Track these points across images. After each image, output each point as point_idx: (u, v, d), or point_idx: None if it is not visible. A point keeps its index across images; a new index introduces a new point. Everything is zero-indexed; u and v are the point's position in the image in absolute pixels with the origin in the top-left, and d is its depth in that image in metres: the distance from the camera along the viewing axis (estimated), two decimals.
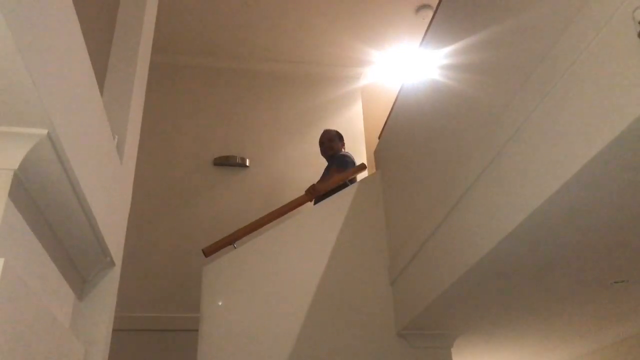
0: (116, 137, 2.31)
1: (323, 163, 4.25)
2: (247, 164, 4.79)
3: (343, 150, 4.21)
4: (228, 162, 4.77)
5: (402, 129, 3.45)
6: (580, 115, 1.55)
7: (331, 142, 4.19)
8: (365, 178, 3.77)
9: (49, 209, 1.70)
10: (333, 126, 4.52)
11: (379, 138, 3.93)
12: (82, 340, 2.04)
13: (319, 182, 3.92)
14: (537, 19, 1.88)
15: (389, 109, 3.78)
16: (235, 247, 3.49)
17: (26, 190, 1.56)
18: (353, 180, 3.85)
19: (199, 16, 4.61)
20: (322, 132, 4.31)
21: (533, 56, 1.85)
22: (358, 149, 4.80)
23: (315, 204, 3.74)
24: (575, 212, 1.81)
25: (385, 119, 3.90)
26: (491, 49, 2.26)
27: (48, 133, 1.44)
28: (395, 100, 3.60)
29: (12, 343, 1.32)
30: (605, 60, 1.46)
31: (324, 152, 4.24)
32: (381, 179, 3.66)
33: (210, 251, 3.49)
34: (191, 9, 4.53)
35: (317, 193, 3.74)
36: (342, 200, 3.53)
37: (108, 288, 2.20)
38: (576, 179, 1.60)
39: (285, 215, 3.69)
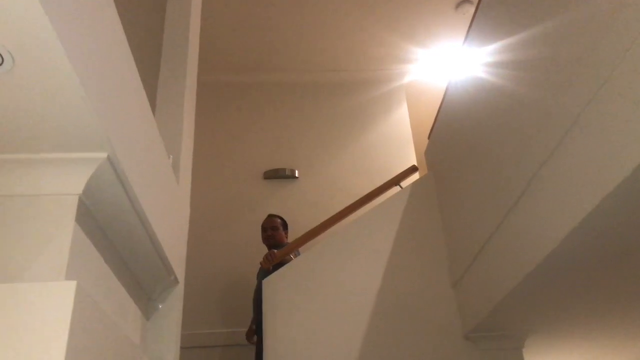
0: (171, 156, 2.35)
1: (373, 169, 4.21)
2: (297, 175, 4.81)
3: (286, 240, 3.93)
4: (278, 175, 4.81)
5: (452, 128, 3.37)
6: None
7: (275, 231, 3.88)
8: (417, 180, 3.70)
9: (113, 231, 1.73)
10: (380, 129, 4.48)
11: (428, 138, 3.86)
12: (151, 358, 2.06)
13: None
14: (587, 10, 1.81)
15: (435, 108, 3.72)
16: (292, 258, 3.49)
17: (91, 214, 1.59)
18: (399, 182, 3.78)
19: (240, 34, 4.68)
20: (266, 216, 4.01)
21: (585, 47, 1.77)
22: (407, 150, 4.74)
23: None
24: None
25: (432, 118, 3.83)
26: (539, 44, 2.19)
27: (108, 156, 1.47)
28: (443, 99, 3.53)
29: None
30: None
31: (266, 239, 3.89)
32: (434, 180, 3.59)
33: (268, 264, 3.50)
34: (232, 28, 4.60)
35: (276, 260, 3.52)
36: (395, 204, 3.48)
37: (173, 306, 2.23)
38: None
39: (338, 224, 3.67)
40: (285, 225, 3.97)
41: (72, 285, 1.29)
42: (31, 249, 1.38)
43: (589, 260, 2.19)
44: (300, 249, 3.61)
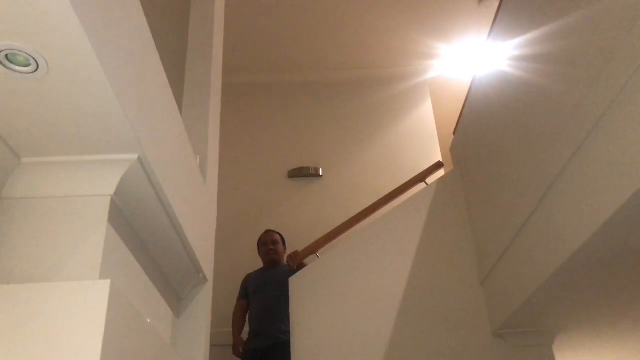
0: (198, 157, 2.38)
1: (398, 166, 4.18)
2: (321, 174, 4.82)
3: (285, 257, 3.84)
4: (302, 174, 4.83)
5: (478, 124, 3.35)
6: None
7: (276, 245, 3.83)
8: (443, 176, 3.68)
9: (144, 231, 1.77)
10: (404, 126, 4.46)
11: (453, 134, 3.83)
12: (182, 357, 2.10)
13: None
14: (614, 3, 1.78)
15: (460, 104, 3.69)
16: (318, 257, 3.50)
17: (122, 214, 1.63)
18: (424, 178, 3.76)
19: (263, 34, 4.71)
20: (264, 231, 3.96)
21: (613, 40, 1.74)
22: (432, 146, 4.72)
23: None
24: None
25: (456, 114, 3.80)
26: (566, 37, 2.16)
27: (139, 157, 1.50)
28: (468, 94, 3.50)
29: None
30: None
31: (267, 253, 3.81)
32: (460, 175, 3.56)
33: (295, 263, 3.53)
34: (255, 28, 4.63)
35: (299, 260, 3.54)
36: (421, 200, 3.47)
37: (203, 304, 2.26)
38: None
39: (364, 221, 3.67)
40: (284, 240, 3.93)
41: (106, 284, 1.32)
42: (65, 249, 1.42)
43: (618, 256, 2.16)
44: (325, 247, 3.62)
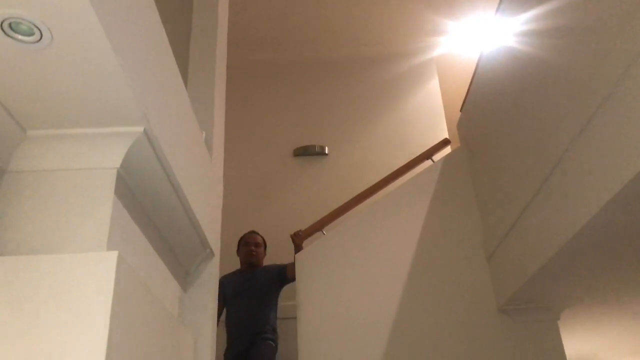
0: (204, 133, 2.37)
1: (405, 144, 4.14)
2: (327, 152, 4.81)
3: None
4: (307, 152, 4.81)
5: (485, 100, 3.32)
6: None
7: (258, 248, 3.70)
8: (450, 153, 3.67)
9: (151, 205, 1.77)
10: (410, 103, 4.42)
11: (460, 111, 3.80)
12: (190, 330, 2.11)
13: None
14: None
15: (467, 81, 3.65)
16: (324, 234, 3.51)
17: (129, 188, 1.63)
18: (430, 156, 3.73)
19: (268, 11, 4.66)
20: (248, 231, 3.82)
21: (621, 17, 1.71)
22: (438, 124, 4.69)
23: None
24: None
25: (463, 90, 3.77)
26: (574, 14, 2.12)
27: (144, 130, 1.49)
28: (475, 70, 3.47)
29: (128, 333, 1.39)
30: None
31: (247, 255, 3.65)
32: (467, 153, 3.54)
33: (301, 240, 3.53)
34: (261, 5, 4.59)
35: (303, 238, 3.52)
36: (427, 177, 3.46)
37: (210, 279, 2.27)
38: None
39: (369, 199, 3.67)
40: (265, 245, 3.80)
41: (113, 255, 1.33)
42: (72, 221, 1.42)
43: (625, 232, 2.15)
44: (331, 225, 3.62)
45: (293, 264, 3.45)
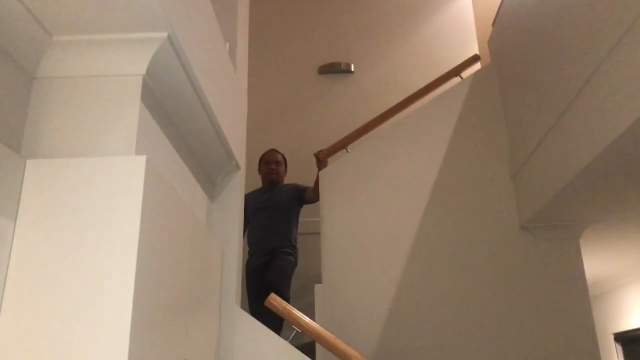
0: (227, 44, 2.34)
1: (433, 61, 4.02)
2: (352, 70, 4.72)
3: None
4: (333, 70, 4.73)
5: (518, 14, 3.17)
6: None
7: (278, 166, 3.72)
8: (479, 70, 3.57)
9: (176, 113, 1.78)
10: (441, 17, 4.25)
11: (492, 25, 3.66)
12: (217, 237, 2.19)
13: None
14: None
15: None
16: (348, 151, 3.52)
17: (155, 96, 1.63)
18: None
19: None
20: (268, 150, 3.82)
21: None
22: (469, 39, 4.52)
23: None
24: None
25: (496, 3, 3.60)
26: None
27: (168, 35, 1.48)
28: None
29: (158, 236, 1.44)
30: None
31: (268, 173, 3.70)
32: (497, 69, 3.44)
33: (324, 156, 3.55)
34: None
35: (326, 156, 3.51)
36: (456, 94, 3.39)
37: (236, 190, 2.32)
38: None
39: (395, 117, 3.62)
40: (286, 162, 3.82)
41: (142, 159, 1.36)
42: (101, 127, 1.44)
43: None
44: (354, 143, 3.61)
45: (313, 189, 3.50)
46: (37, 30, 1.45)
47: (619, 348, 5.26)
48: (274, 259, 3.43)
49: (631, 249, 3.71)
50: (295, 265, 3.52)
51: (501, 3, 3.46)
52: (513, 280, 3.01)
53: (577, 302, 2.94)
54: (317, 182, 3.46)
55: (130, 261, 1.27)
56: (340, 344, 2.31)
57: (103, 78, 1.49)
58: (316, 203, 3.45)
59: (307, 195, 3.60)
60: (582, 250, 3.04)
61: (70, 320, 1.23)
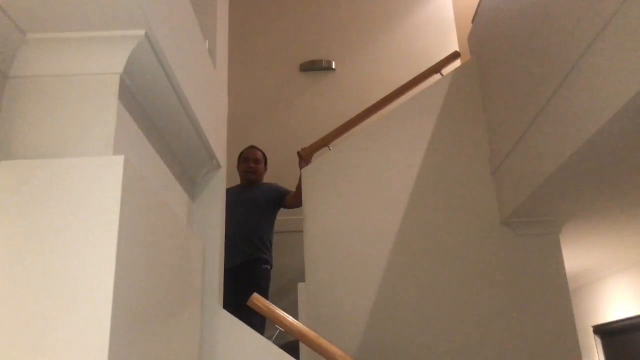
0: (207, 41, 2.31)
1: (414, 57, 4.04)
2: (334, 67, 4.71)
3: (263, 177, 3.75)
4: (314, 67, 4.73)
5: (497, 10, 3.19)
6: None
7: (257, 164, 3.66)
8: (459, 67, 3.58)
9: (155, 112, 1.76)
10: (421, 14, 4.26)
11: (472, 22, 3.68)
12: (198, 239, 2.17)
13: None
14: None
15: None
16: (330, 149, 3.51)
17: (132, 94, 1.61)
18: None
19: None
20: (247, 146, 3.77)
21: None
22: (449, 36, 4.55)
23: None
24: None
25: (476, 1, 3.62)
26: None
27: (146, 33, 1.46)
28: None
29: (137, 237, 1.42)
30: None
31: (246, 171, 3.64)
32: (477, 66, 3.47)
33: (306, 154, 3.54)
34: None
35: (309, 153, 3.48)
36: (436, 91, 3.41)
37: (217, 189, 2.30)
38: None
39: (376, 114, 3.63)
40: (266, 160, 3.76)
41: (119, 159, 1.33)
42: (77, 126, 1.42)
43: (628, 146, 2.14)
44: (337, 140, 3.61)
45: (295, 194, 3.45)
46: (10, 27, 1.42)
47: (598, 340, 5.35)
48: (249, 270, 3.34)
49: (610, 242, 3.77)
50: (271, 267, 3.48)
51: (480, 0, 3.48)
52: (494, 275, 3.03)
53: (557, 296, 2.98)
54: (299, 187, 3.41)
55: (109, 262, 1.25)
56: (323, 342, 2.31)
57: (79, 77, 1.47)
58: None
59: (287, 200, 3.53)
60: (562, 245, 3.08)
61: (48, 322, 1.20)
